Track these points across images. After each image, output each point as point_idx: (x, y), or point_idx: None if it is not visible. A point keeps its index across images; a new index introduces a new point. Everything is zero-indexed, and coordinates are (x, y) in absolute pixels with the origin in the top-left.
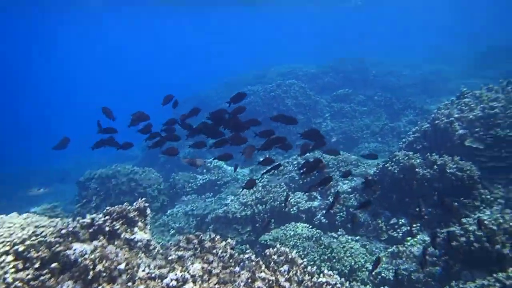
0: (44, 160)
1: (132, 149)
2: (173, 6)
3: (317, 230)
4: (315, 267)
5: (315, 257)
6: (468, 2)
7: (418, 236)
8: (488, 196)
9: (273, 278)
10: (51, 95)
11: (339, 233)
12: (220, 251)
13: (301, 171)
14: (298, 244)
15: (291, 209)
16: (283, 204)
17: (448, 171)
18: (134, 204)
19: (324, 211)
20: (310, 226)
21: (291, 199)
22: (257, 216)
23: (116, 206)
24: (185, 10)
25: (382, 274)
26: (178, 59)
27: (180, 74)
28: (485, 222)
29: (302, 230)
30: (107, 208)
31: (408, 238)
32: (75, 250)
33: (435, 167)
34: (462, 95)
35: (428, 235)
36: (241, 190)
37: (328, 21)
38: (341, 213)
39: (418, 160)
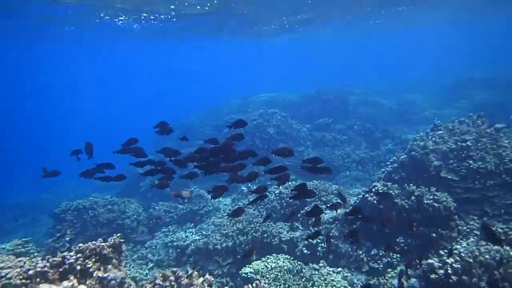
0: (19, 190)
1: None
2: (158, 37)
3: (299, 262)
4: None
5: None
6: (438, 40)
7: (399, 268)
8: (464, 227)
9: None
10: (27, 123)
11: (320, 264)
12: None
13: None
14: (279, 276)
15: (273, 240)
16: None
17: (425, 202)
18: (109, 240)
19: (305, 242)
20: (292, 258)
21: (272, 229)
22: (238, 247)
23: (89, 243)
24: (163, 41)
25: None
26: (160, 86)
27: (164, 100)
28: (462, 254)
29: (283, 262)
30: (80, 245)
31: (389, 270)
32: None
33: (413, 198)
34: (436, 127)
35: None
36: (227, 217)
37: (309, 50)
38: (322, 244)
39: (396, 191)
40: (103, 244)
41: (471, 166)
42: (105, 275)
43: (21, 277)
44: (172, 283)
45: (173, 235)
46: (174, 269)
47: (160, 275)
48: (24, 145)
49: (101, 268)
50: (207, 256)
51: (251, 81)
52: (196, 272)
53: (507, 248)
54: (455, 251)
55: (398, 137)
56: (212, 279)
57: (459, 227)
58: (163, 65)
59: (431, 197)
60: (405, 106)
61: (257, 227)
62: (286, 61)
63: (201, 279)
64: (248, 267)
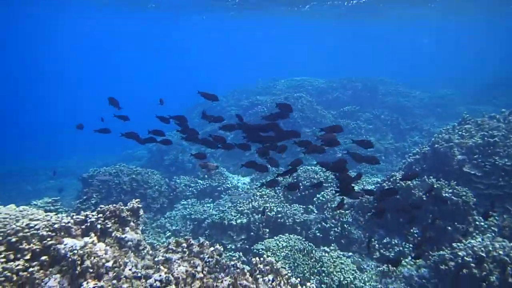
0: (48, 158)
1: (139, 149)
2: (185, 10)
3: (310, 243)
4: (298, 279)
5: (304, 270)
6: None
7: (410, 257)
8: (482, 223)
9: (254, 286)
10: (51, 95)
11: (331, 247)
12: (207, 256)
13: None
14: (289, 255)
15: (287, 221)
16: (263, 216)
17: (444, 195)
18: (128, 204)
19: (319, 225)
20: (303, 239)
21: (287, 210)
22: (253, 224)
23: (110, 205)
24: (197, 14)
25: None
26: (189, 64)
27: (191, 80)
28: (475, 248)
29: (295, 242)
30: (101, 206)
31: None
32: (65, 245)
33: (433, 192)
34: (464, 121)
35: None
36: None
37: (344, 36)
38: (336, 228)
39: (414, 182)
40: (122, 207)
41: (497, 162)
42: (123, 236)
43: (47, 229)
44: (184, 249)
45: (191, 208)
46: (187, 237)
47: (174, 241)
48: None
49: (120, 229)
50: (222, 230)
51: (281, 63)
52: (207, 242)
53: None
54: (468, 244)
55: (427, 129)
56: (222, 249)
57: (477, 222)
58: (199, 42)
59: (450, 190)
60: (438, 100)
61: (272, 207)
62: (319, 46)
63: (212, 248)
64: (260, 243)
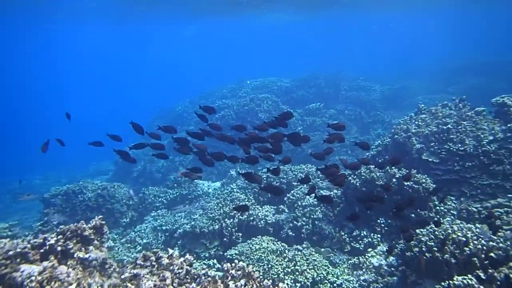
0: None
1: (105, 163)
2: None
3: (282, 244)
4: (270, 281)
5: (279, 270)
6: (441, 24)
7: (379, 247)
8: (442, 208)
9: None
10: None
11: (304, 245)
12: (177, 267)
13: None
14: (263, 257)
15: (259, 223)
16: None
17: (406, 183)
18: (91, 221)
19: (291, 224)
20: (276, 240)
21: (259, 212)
22: (225, 230)
23: (71, 225)
24: (159, 21)
25: (343, 286)
26: (152, 70)
27: (155, 86)
28: (436, 233)
29: (267, 243)
30: (61, 227)
31: (369, 249)
32: (22, 272)
33: (394, 180)
34: (420, 111)
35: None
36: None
37: (305, 34)
38: (307, 226)
39: (378, 173)
40: (84, 226)
41: (451, 148)
42: (86, 255)
43: (0, 257)
44: (153, 262)
45: (162, 219)
46: (156, 249)
47: (142, 255)
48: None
49: (82, 249)
50: (195, 239)
51: (246, 66)
52: (176, 253)
53: (478, 226)
54: (430, 229)
55: (388, 121)
56: (192, 258)
57: (437, 207)
58: (160, 50)
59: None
60: (397, 91)
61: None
62: (281, 46)
63: (182, 258)
64: (233, 249)
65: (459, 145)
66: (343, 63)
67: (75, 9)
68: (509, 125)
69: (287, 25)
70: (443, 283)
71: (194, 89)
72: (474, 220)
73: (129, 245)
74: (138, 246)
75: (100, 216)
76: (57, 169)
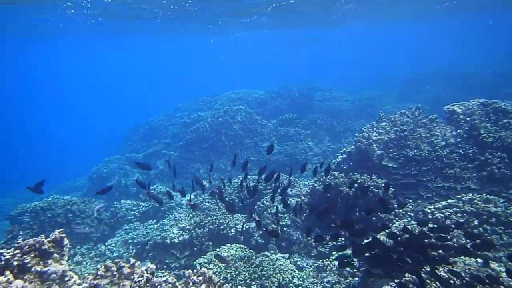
0: None
1: (79, 179)
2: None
3: (250, 250)
4: (229, 284)
5: (246, 276)
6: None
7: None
8: (401, 210)
9: None
10: None
11: (271, 251)
12: (137, 276)
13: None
14: (230, 264)
15: (229, 232)
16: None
17: (368, 189)
18: (50, 235)
19: (260, 231)
20: (245, 247)
21: (229, 221)
22: (195, 240)
23: (29, 239)
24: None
25: None
26: (130, 84)
27: (133, 99)
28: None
29: (235, 251)
30: (18, 242)
31: (333, 253)
32: None
33: (356, 185)
34: (380, 119)
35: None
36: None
37: (279, 48)
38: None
39: (341, 179)
40: (43, 240)
41: (408, 154)
42: (45, 269)
43: None
44: (114, 272)
45: (134, 232)
46: (117, 260)
47: (103, 266)
48: None
49: (41, 263)
50: (165, 250)
51: (221, 80)
52: (138, 262)
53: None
54: (387, 231)
55: (358, 130)
56: (154, 267)
57: (396, 210)
58: (137, 64)
59: (372, 183)
60: (368, 101)
61: (213, 220)
62: (256, 60)
63: (144, 267)
64: (203, 257)
65: (415, 151)
66: (316, 75)
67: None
68: (458, 131)
69: (259, 38)
70: (396, 280)
71: (168, 103)
72: (428, 221)
73: (98, 259)
74: (108, 259)
75: (60, 230)
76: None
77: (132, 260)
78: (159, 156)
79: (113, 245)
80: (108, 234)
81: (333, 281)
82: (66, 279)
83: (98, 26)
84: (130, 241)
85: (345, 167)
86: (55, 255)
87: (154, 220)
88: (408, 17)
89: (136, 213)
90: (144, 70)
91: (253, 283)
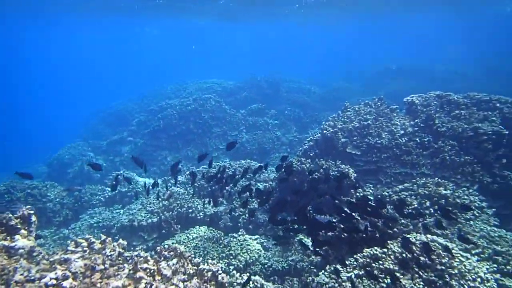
0: None
1: (38, 165)
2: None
3: (219, 232)
4: (200, 258)
5: (214, 255)
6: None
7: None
8: (362, 194)
9: (155, 267)
10: None
11: (239, 233)
12: (109, 250)
13: None
14: (199, 245)
15: (198, 215)
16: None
17: (331, 173)
18: (17, 212)
19: (229, 215)
20: (213, 229)
21: (198, 205)
22: (164, 223)
23: None
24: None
25: (273, 266)
26: (96, 69)
27: (97, 85)
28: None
29: (204, 232)
30: None
31: (298, 234)
32: None
33: (321, 170)
34: (346, 109)
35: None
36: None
37: (248, 38)
38: (243, 216)
39: (308, 165)
40: (9, 216)
41: (370, 141)
42: (12, 244)
43: None
44: (85, 248)
45: (99, 216)
46: (87, 236)
47: (73, 242)
48: None
49: (8, 238)
50: (132, 233)
51: (189, 68)
52: (110, 238)
53: None
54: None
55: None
56: (125, 242)
57: (357, 194)
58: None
59: (336, 169)
60: (334, 93)
61: (182, 203)
62: (225, 49)
63: (115, 243)
64: (171, 239)
65: (377, 139)
66: (283, 67)
67: None
68: (416, 120)
69: (225, 28)
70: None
71: (133, 89)
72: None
73: (61, 241)
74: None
75: (28, 206)
76: None
77: (103, 236)
78: (124, 143)
79: (77, 229)
80: (71, 219)
81: (297, 259)
82: (35, 254)
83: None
84: (95, 225)
85: (311, 154)
86: (23, 231)
87: (120, 205)
88: (376, 12)
89: (102, 198)
90: (110, 54)
91: (221, 261)
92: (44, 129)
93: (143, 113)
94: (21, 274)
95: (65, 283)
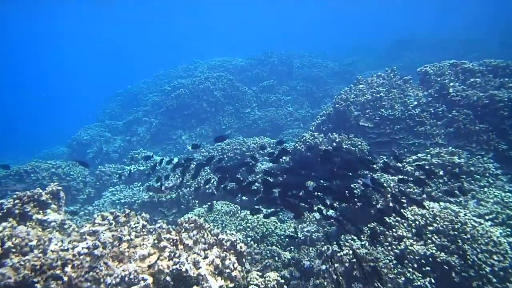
0: None
1: (58, 147)
2: None
3: (236, 206)
4: (220, 229)
5: (231, 228)
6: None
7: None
8: (374, 166)
9: (177, 237)
10: None
11: (256, 207)
12: (134, 223)
13: None
14: (217, 218)
15: (216, 191)
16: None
17: (344, 146)
18: (47, 188)
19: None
20: (230, 203)
21: (215, 181)
22: (182, 198)
23: (27, 191)
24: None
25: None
26: (110, 52)
27: (113, 67)
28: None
29: (221, 206)
30: (17, 192)
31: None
32: None
33: (334, 144)
34: (358, 82)
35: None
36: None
37: (261, 13)
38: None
39: (321, 139)
40: (40, 191)
41: (383, 114)
42: (45, 217)
43: None
44: (111, 221)
45: (120, 194)
46: (113, 210)
47: (99, 215)
48: None
49: (41, 212)
50: (153, 208)
51: (201, 46)
52: (133, 212)
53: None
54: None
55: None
56: (148, 216)
57: (370, 165)
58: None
59: (349, 142)
60: (347, 67)
61: (199, 181)
62: (236, 26)
63: (138, 216)
64: (190, 213)
65: (390, 111)
66: (295, 41)
67: None
68: (430, 90)
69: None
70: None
71: (147, 71)
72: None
73: (87, 217)
74: None
75: (56, 183)
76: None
77: (127, 210)
78: (139, 123)
79: (101, 205)
80: (94, 196)
81: (312, 230)
82: (66, 226)
83: None
84: (117, 201)
85: (324, 128)
86: (53, 205)
87: (140, 183)
88: None
89: (122, 177)
90: (121, 37)
91: (238, 233)
92: (64, 113)
93: (155, 93)
94: (55, 244)
95: (96, 252)
